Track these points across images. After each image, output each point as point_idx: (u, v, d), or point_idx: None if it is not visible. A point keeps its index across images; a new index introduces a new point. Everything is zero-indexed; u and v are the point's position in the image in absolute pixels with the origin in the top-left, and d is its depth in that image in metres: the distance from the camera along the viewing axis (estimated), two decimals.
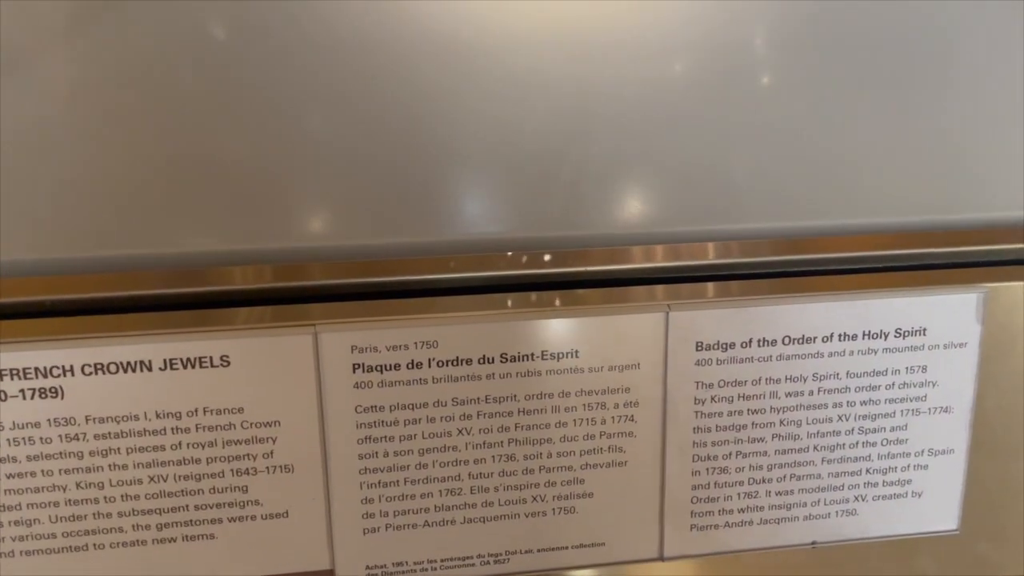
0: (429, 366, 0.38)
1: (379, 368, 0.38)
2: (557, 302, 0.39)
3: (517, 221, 0.40)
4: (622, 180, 0.42)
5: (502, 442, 0.40)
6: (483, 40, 0.38)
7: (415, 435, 0.39)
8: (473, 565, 0.41)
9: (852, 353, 0.42)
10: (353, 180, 0.38)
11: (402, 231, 0.39)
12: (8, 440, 0.36)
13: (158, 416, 0.37)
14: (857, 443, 0.43)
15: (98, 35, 0.35)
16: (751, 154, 0.42)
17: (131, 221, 0.37)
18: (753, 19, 0.40)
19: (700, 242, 0.41)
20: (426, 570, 0.40)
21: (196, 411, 0.37)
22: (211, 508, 0.38)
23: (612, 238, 0.41)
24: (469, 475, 0.40)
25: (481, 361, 0.39)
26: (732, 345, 0.41)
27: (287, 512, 0.38)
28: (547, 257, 0.40)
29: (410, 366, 0.38)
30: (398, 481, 0.39)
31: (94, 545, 0.37)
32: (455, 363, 0.38)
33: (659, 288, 0.40)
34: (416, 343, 0.38)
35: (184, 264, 0.37)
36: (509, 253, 0.39)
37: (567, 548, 0.42)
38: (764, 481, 0.43)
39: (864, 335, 0.42)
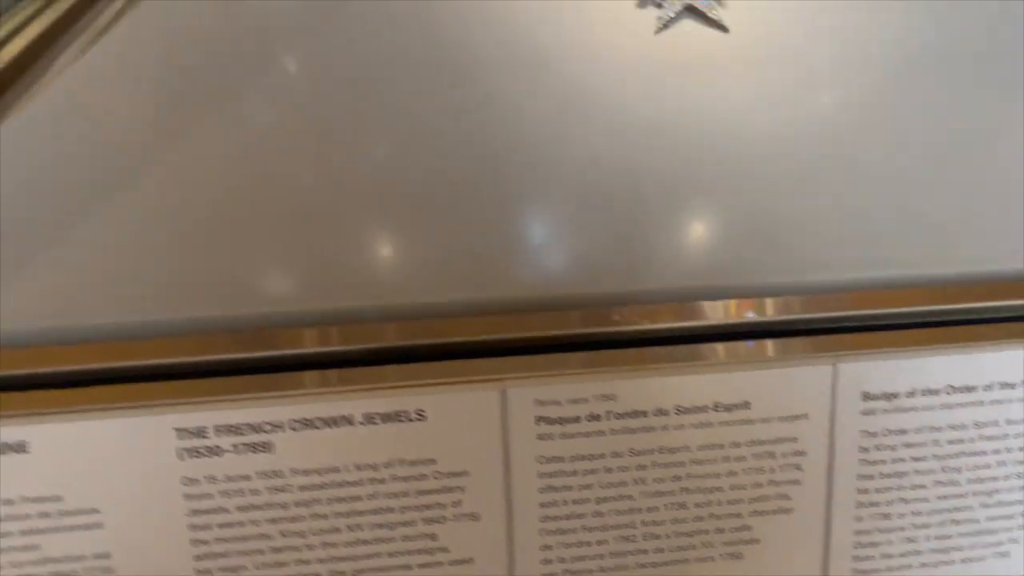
0: (607, 418, 0.40)
1: (561, 421, 0.39)
2: (725, 354, 0.41)
3: (683, 273, 0.42)
4: (777, 231, 0.43)
5: (674, 491, 0.41)
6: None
7: (592, 484, 0.40)
8: None
9: (1011, 401, 0.43)
10: (532, 236, 0.40)
11: (577, 284, 0.41)
12: (220, 492, 0.38)
13: (357, 468, 0.39)
14: (1013, 488, 0.44)
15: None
16: (909, 202, 0.43)
17: (333, 276, 0.40)
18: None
19: (861, 291, 0.42)
20: None
21: (392, 463, 0.39)
22: (403, 555, 0.40)
23: (775, 288, 0.42)
24: (642, 523, 0.41)
25: (656, 413, 0.40)
26: (896, 395, 0.42)
27: (472, 558, 0.40)
28: (715, 308, 0.41)
29: (589, 418, 0.40)
30: (576, 529, 0.41)
31: None
32: (632, 415, 0.40)
33: (825, 339, 0.41)
34: (595, 396, 0.40)
35: (374, 317, 0.40)
36: (681, 304, 0.41)
37: None
38: (924, 526, 0.44)
39: None
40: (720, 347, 0.41)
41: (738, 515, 0.42)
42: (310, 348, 0.39)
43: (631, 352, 0.40)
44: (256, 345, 0.38)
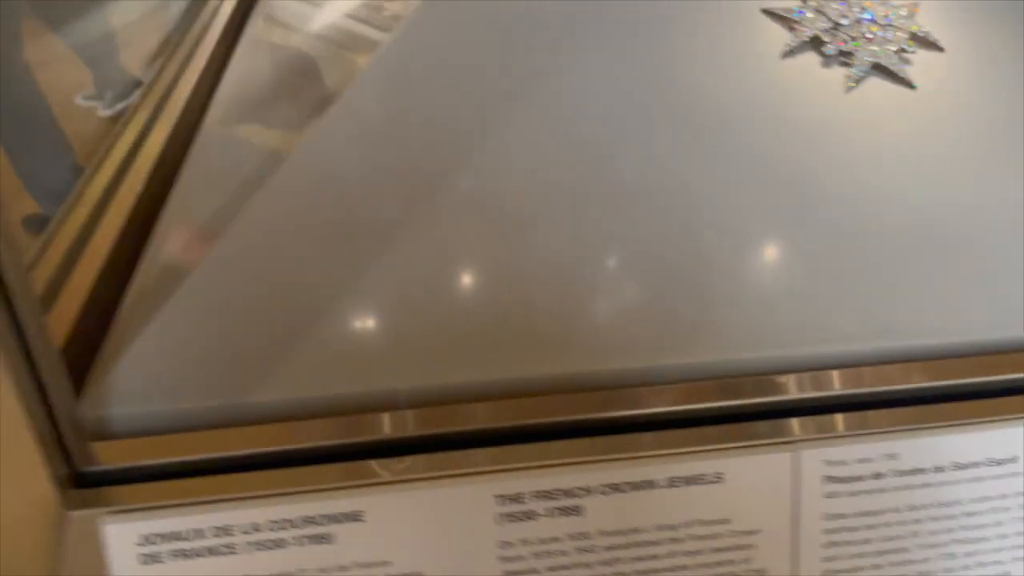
0: (889, 476, 0.42)
1: (847, 479, 0.41)
2: (998, 410, 0.43)
3: (954, 330, 0.44)
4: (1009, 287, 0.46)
5: (946, 542, 0.43)
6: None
7: (872, 539, 0.42)
8: None
9: None
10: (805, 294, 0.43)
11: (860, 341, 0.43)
12: (532, 553, 0.40)
13: (658, 528, 0.40)
14: None
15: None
16: None
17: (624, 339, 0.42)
18: None
19: None
20: None
21: (690, 523, 0.41)
22: None
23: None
24: (917, 573, 0.43)
25: (934, 470, 0.42)
26: None
27: None
28: (979, 365, 0.43)
29: (873, 477, 0.42)
30: None
31: None
32: (911, 472, 0.42)
33: None
34: (880, 455, 0.41)
35: (671, 380, 0.42)
36: (962, 359, 0.43)
37: None
38: None
39: None
40: (991, 404, 0.43)
41: (1000, 562, 0.44)
42: (617, 412, 0.41)
43: (911, 411, 0.42)
44: (566, 410, 0.40)
